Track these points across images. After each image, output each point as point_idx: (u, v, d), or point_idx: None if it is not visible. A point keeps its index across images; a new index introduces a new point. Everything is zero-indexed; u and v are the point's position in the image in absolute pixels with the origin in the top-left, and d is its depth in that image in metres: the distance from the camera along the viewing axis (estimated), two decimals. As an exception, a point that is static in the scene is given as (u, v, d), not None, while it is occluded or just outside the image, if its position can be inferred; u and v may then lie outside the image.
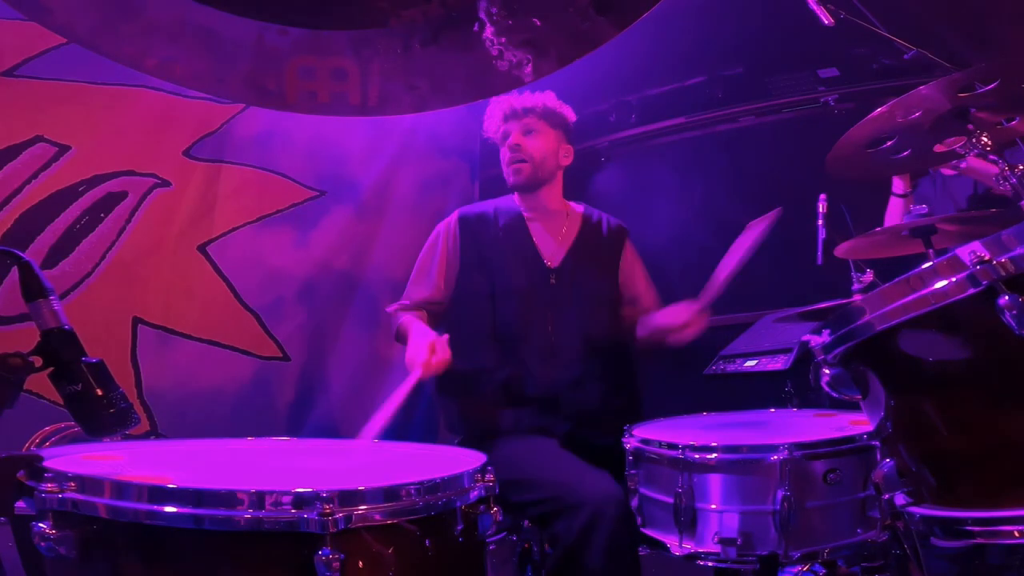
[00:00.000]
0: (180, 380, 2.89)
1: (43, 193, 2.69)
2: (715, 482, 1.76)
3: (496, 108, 2.49)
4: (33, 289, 1.32)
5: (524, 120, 2.43)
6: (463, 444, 2.22)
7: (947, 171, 2.72)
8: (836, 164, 2.04)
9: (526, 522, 2.20)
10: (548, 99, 2.47)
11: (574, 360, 2.31)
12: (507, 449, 2.10)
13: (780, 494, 1.68)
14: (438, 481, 1.31)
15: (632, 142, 3.93)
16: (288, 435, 1.92)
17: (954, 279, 1.18)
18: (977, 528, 1.23)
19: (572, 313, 2.35)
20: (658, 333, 2.31)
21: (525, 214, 2.48)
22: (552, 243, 2.45)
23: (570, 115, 2.51)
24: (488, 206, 2.55)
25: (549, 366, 2.29)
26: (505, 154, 2.46)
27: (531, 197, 2.49)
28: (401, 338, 2.37)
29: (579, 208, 2.56)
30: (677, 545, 1.78)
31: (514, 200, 2.53)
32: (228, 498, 1.17)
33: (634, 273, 2.52)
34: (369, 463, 1.70)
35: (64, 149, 2.72)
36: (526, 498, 2.01)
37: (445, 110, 3.49)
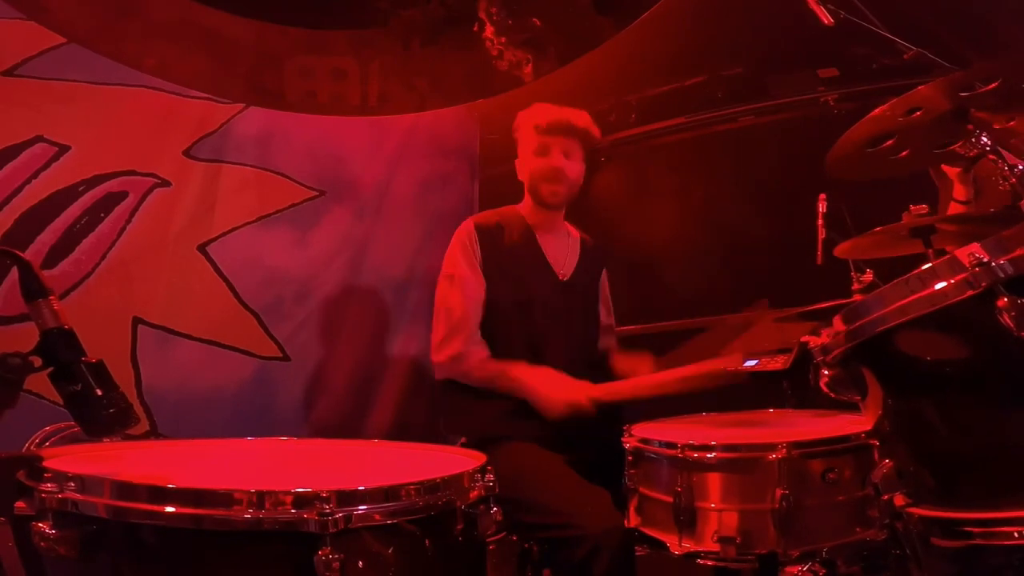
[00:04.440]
0: (180, 380, 2.88)
1: (43, 193, 2.68)
2: (714, 481, 1.77)
3: (537, 113, 2.44)
4: (33, 289, 1.32)
5: (568, 141, 2.41)
6: (466, 446, 2.23)
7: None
8: (836, 164, 2.04)
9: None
10: (588, 121, 2.45)
11: (583, 371, 2.33)
12: (512, 462, 2.08)
13: (779, 493, 1.68)
14: (438, 481, 1.31)
15: (632, 142, 3.92)
16: (288, 435, 1.92)
17: (953, 280, 1.18)
18: (976, 529, 1.23)
19: (580, 325, 2.43)
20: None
21: (535, 228, 2.50)
22: (561, 257, 2.49)
23: (598, 136, 2.51)
24: (498, 215, 2.53)
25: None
26: (538, 165, 2.43)
27: (547, 215, 2.49)
28: (496, 382, 2.32)
29: (575, 231, 2.61)
30: (676, 544, 1.79)
31: (519, 211, 2.53)
32: (227, 498, 1.17)
33: (605, 294, 2.60)
34: (369, 463, 1.70)
35: (64, 149, 2.72)
36: (529, 520, 2.06)
37: (445, 110, 3.49)
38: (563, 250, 2.51)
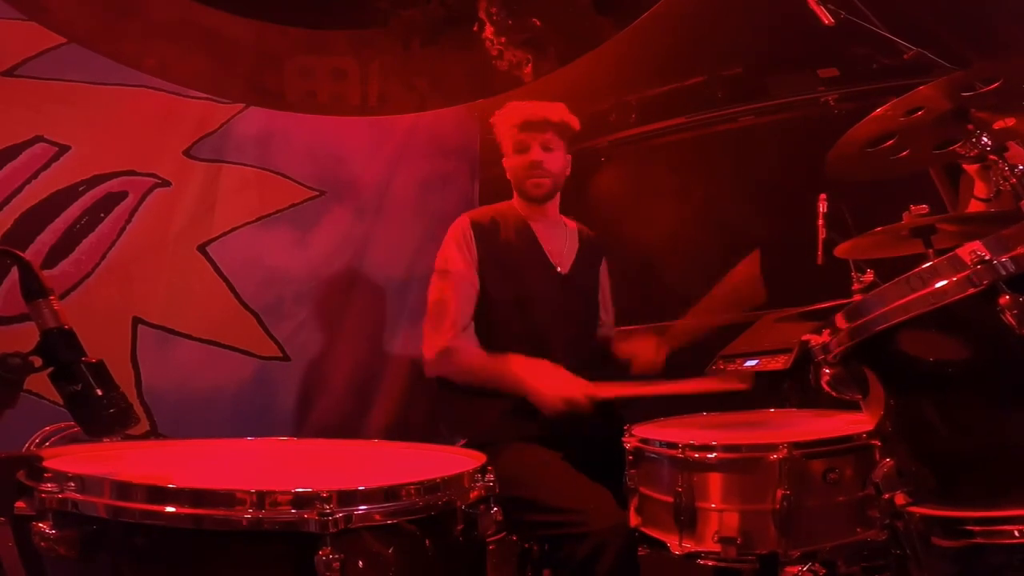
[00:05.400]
0: (180, 380, 2.88)
1: (43, 193, 2.68)
2: (715, 481, 1.77)
3: (512, 112, 2.49)
4: (33, 289, 1.32)
5: (544, 136, 2.44)
6: (467, 447, 2.23)
7: None
8: (836, 164, 2.04)
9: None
10: (564, 113, 2.48)
11: (583, 365, 2.32)
12: (513, 462, 2.08)
13: (780, 493, 1.68)
14: (438, 481, 1.31)
15: (632, 142, 3.92)
16: (288, 435, 1.92)
17: (954, 279, 1.18)
18: (977, 528, 1.23)
19: (581, 318, 2.42)
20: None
21: (530, 221, 2.51)
22: (559, 251, 2.50)
23: (577, 126, 2.53)
24: (493, 211, 2.55)
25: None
26: (519, 162, 2.46)
27: (538, 208, 2.52)
28: (488, 376, 2.30)
29: (572, 223, 2.62)
30: (677, 544, 1.78)
31: (515, 206, 2.55)
32: (228, 498, 1.17)
33: (604, 287, 2.61)
34: (369, 463, 1.70)
35: (64, 149, 2.72)
36: (531, 519, 2.05)
37: (445, 110, 3.49)
38: (561, 243, 2.52)
